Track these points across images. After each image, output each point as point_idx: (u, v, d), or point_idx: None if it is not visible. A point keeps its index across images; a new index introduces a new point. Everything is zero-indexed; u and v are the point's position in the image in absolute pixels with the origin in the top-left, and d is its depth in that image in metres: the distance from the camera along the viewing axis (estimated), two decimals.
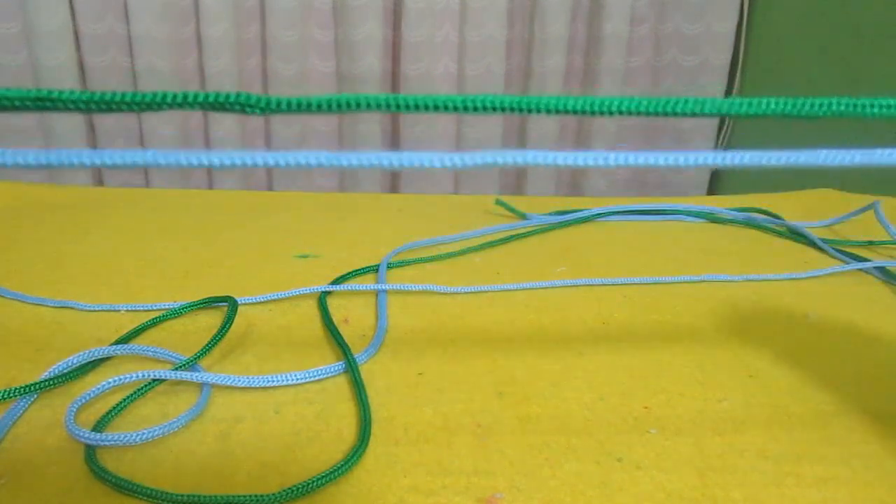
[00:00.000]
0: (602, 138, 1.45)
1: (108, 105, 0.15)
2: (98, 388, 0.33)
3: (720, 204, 0.71)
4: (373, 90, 1.35)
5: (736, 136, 1.51)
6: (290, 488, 0.27)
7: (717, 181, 1.57)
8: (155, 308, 0.44)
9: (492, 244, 0.58)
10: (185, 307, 0.43)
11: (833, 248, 0.58)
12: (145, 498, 0.27)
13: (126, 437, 0.30)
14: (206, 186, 1.36)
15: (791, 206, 0.72)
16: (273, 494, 0.27)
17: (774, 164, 0.13)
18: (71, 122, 1.22)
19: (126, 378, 0.34)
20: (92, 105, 0.15)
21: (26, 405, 0.33)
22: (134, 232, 0.58)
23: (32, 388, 0.33)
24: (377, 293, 0.47)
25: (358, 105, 0.14)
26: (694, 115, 0.13)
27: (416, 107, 0.14)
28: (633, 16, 1.40)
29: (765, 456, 0.31)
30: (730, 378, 0.38)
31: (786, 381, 0.37)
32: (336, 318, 0.43)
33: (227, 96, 0.14)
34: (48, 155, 0.14)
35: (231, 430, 0.32)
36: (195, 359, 0.36)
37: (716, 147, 1.53)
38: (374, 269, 0.52)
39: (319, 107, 0.14)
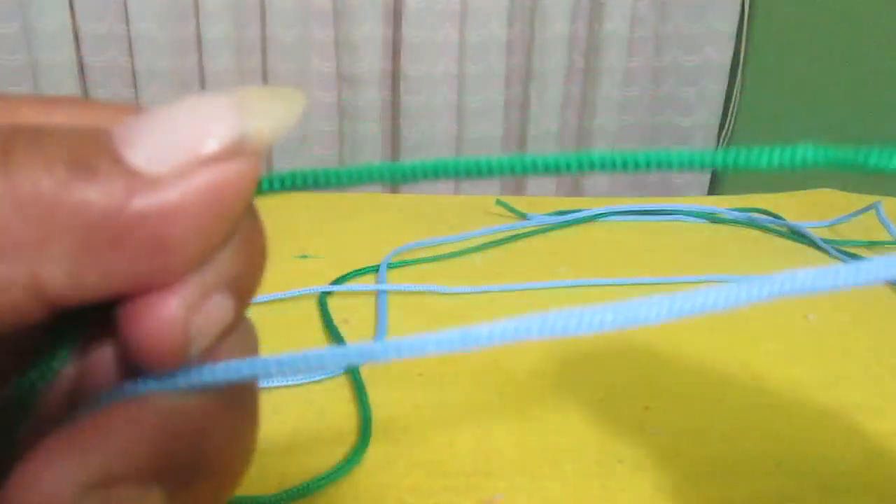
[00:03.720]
0: (602, 138, 1.45)
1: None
2: None
3: (720, 204, 0.70)
4: (373, 90, 1.35)
5: (737, 135, 1.51)
6: (290, 488, 0.27)
7: (718, 181, 1.57)
8: None
9: (492, 244, 0.58)
10: None
11: (834, 249, 0.58)
12: None
13: None
14: None
15: (792, 206, 0.72)
16: (273, 494, 0.27)
17: None
18: None
19: None
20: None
21: None
22: None
23: None
24: (377, 293, 0.47)
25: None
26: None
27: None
28: (633, 16, 1.40)
29: (765, 456, 0.31)
30: (730, 379, 0.38)
31: (786, 381, 0.37)
32: (336, 318, 0.43)
33: None
34: None
35: None
36: None
37: (716, 147, 1.53)
38: (374, 269, 0.51)
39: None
